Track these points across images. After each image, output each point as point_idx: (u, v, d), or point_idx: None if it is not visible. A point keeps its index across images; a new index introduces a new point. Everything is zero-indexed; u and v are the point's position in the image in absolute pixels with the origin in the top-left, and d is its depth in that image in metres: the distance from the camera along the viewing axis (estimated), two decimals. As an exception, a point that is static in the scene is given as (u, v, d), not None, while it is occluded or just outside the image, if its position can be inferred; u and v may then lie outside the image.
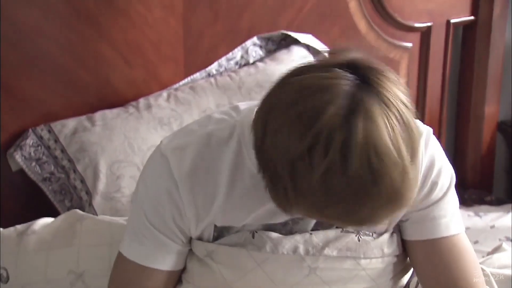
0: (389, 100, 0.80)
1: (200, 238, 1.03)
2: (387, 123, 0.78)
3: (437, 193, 1.02)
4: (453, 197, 1.05)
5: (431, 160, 1.01)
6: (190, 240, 1.05)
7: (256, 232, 1.02)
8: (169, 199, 0.98)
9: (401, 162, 0.78)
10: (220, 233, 1.03)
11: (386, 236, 1.05)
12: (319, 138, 0.77)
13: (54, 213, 1.48)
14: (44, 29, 1.51)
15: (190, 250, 1.06)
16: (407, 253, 1.09)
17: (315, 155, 0.77)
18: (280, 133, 0.80)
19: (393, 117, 0.79)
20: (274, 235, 1.02)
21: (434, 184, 1.01)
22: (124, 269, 1.05)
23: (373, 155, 0.77)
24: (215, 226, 1.01)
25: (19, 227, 1.31)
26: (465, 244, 1.06)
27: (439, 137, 2.08)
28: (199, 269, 1.05)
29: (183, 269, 1.08)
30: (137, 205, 1.03)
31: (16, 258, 1.25)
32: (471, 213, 1.92)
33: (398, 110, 0.80)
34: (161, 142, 1.02)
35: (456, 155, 2.21)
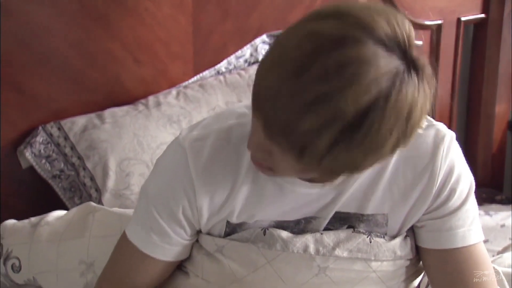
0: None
1: (210, 233, 1.03)
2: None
3: (455, 201, 1.00)
4: (472, 206, 1.03)
5: (451, 166, 0.99)
6: (197, 233, 1.04)
7: (267, 229, 1.01)
8: (182, 191, 0.98)
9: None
10: (233, 229, 1.02)
11: (398, 239, 1.04)
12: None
13: (63, 210, 1.48)
14: (54, 27, 1.52)
15: (199, 244, 1.06)
16: (421, 257, 1.07)
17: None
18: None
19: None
20: (285, 233, 1.01)
21: (453, 191, 1.00)
22: (124, 250, 1.05)
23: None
24: (228, 222, 1.01)
25: (33, 219, 1.33)
26: (482, 254, 1.03)
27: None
28: (208, 263, 1.05)
29: (191, 262, 1.07)
30: (147, 194, 1.02)
31: (28, 249, 1.26)
32: (482, 212, 1.91)
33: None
34: (180, 133, 1.01)
35: (466, 154, 2.19)
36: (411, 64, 0.78)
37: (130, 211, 1.28)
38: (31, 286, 1.28)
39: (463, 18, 2.08)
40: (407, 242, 1.05)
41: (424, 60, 0.81)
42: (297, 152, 0.79)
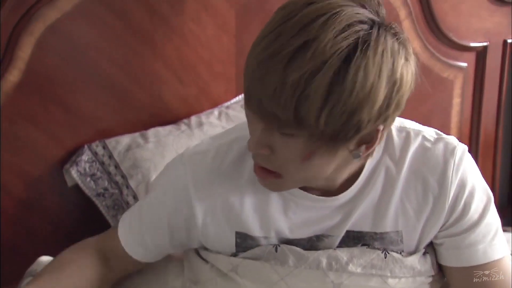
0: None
1: (220, 248, 1.03)
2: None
3: (472, 216, 0.98)
4: (492, 219, 1.00)
5: (463, 180, 0.97)
6: (188, 244, 1.07)
7: (279, 245, 1.01)
8: (179, 203, 1.00)
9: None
10: (243, 239, 1.01)
11: (417, 255, 1.02)
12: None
13: (106, 228, 1.50)
14: (101, 46, 1.55)
15: (210, 264, 1.05)
16: (445, 275, 1.05)
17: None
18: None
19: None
20: (297, 249, 1.00)
21: (467, 205, 0.97)
22: (114, 235, 1.09)
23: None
24: (237, 232, 1.01)
25: None
26: (506, 269, 1.00)
27: (494, 160, 2.03)
28: (223, 284, 1.04)
29: (202, 284, 1.07)
30: (146, 203, 1.05)
31: None
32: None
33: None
34: (186, 149, 1.04)
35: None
36: (385, 23, 0.83)
37: None
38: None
39: (509, 40, 2.05)
40: (426, 258, 1.03)
41: (399, 28, 0.84)
42: (293, 118, 0.79)
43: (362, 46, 0.79)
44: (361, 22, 0.80)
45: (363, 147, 0.88)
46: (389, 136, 0.98)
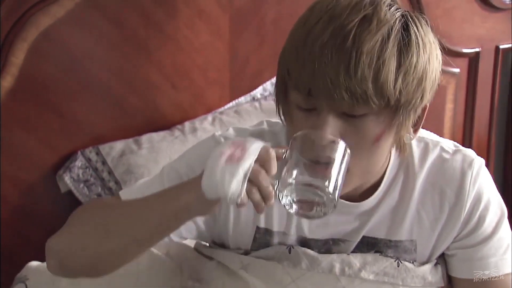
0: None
1: (238, 239, 1.02)
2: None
3: (486, 229, 0.99)
4: (505, 234, 1.01)
5: (479, 192, 0.98)
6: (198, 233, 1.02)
7: (293, 247, 1.01)
8: None
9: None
10: (262, 234, 1.01)
11: (429, 265, 1.02)
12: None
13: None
14: (95, 54, 1.55)
15: (216, 262, 1.04)
16: (453, 287, 1.05)
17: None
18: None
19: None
20: (311, 252, 1.00)
21: (482, 218, 0.98)
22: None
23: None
24: (258, 228, 1.00)
25: None
26: None
27: (486, 166, 2.04)
28: (231, 283, 1.04)
29: (206, 283, 1.06)
30: (163, 173, 1.00)
31: None
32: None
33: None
34: (213, 134, 1.01)
35: (504, 185, 2.16)
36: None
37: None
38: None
39: (501, 46, 2.06)
40: (437, 269, 1.03)
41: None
42: (373, 88, 0.81)
43: (411, 16, 0.86)
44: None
45: (411, 131, 0.92)
46: (409, 146, 0.99)
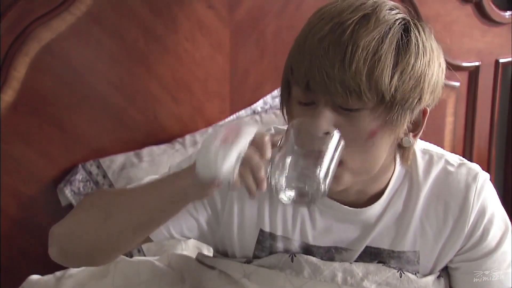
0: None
1: (241, 244, 1.02)
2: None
3: (489, 243, 0.99)
4: (508, 248, 1.01)
5: (484, 206, 0.98)
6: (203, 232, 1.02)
7: (295, 255, 1.00)
8: None
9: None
10: (265, 238, 1.01)
11: (431, 277, 1.02)
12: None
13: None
14: (96, 67, 1.56)
15: (218, 271, 1.04)
16: None
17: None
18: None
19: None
20: (313, 259, 1.00)
21: (486, 231, 0.98)
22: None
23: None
24: (261, 230, 1.00)
25: (58, 273, 1.31)
26: None
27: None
28: None
29: None
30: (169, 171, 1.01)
31: None
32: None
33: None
34: None
35: (504, 197, 2.16)
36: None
37: (148, 259, 1.28)
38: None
39: (501, 60, 2.07)
40: (440, 282, 1.03)
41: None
42: (366, 83, 0.82)
43: (413, 22, 0.88)
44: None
45: (411, 135, 0.92)
46: (413, 157, 0.99)
